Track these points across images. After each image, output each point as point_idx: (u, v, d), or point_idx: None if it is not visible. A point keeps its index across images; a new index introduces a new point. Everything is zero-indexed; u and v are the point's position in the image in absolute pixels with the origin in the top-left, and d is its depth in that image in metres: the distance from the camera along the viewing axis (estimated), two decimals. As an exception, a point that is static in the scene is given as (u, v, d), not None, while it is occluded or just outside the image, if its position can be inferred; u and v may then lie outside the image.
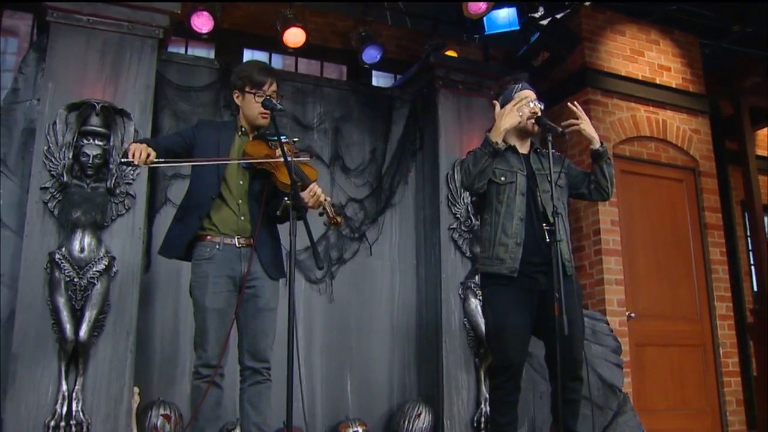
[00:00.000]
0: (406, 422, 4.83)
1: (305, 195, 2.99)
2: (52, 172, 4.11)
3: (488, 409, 4.84)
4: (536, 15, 5.99)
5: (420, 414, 4.85)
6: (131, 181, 4.27)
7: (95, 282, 4.02)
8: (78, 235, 4.06)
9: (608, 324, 5.31)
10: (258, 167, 3.15)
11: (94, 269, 4.03)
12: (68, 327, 3.90)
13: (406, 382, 5.19)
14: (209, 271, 3.12)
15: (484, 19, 6.30)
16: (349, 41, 6.08)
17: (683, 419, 5.66)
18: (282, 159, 3.02)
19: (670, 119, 6.24)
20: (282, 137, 3.15)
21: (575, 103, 3.39)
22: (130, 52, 4.47)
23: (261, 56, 6.15)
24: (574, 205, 5.90)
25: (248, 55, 6.09)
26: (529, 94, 3.37)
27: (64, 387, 3.92)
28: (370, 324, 5.21)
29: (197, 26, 5.36)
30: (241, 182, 3.23)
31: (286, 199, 2.87)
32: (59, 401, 3.89)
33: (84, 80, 4.33)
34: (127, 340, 4.12)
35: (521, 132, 3.38)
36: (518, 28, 5.81)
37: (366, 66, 6.04)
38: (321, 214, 3.03)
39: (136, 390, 4.21)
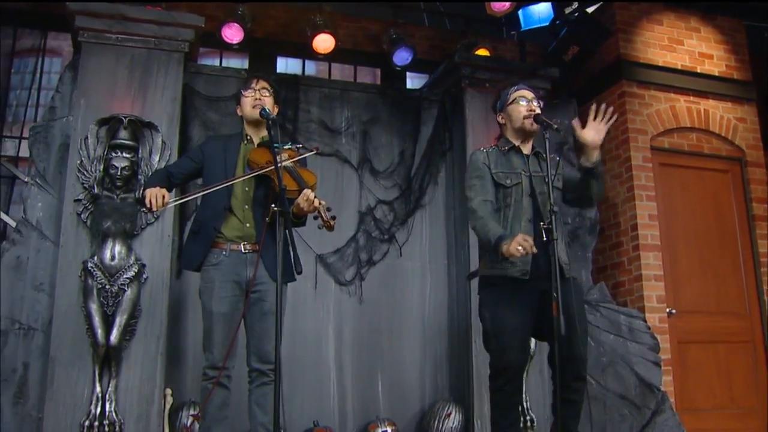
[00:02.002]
0: (436, 422, 4.85)
1: (299, 199, 3.08)
2: (85, 185, 4.33)
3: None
4: (570, 8, 5.91)
5: (450, 414, 4.86)
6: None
7: (125, 288, 4.21)
8: (109, 244, 4.25)
9: (645, 321, 5.21)
10: (267, 175, 3.24)
11: (125, 276, 4.22)
12: (100, 332, 4.09)
13: (438, 382, 5.21)
14: (216, 276, 3.24)
15: (521, 14, 6.26)
16: (381, 44, 6.14)
17: (731, 419, 5.45)
18: (286, 164, 3.16)
19: (713, 108, 6.03)
20: (286, 145, 3.29)
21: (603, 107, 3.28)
22: (157, 66, 4.65)
23: (294, 63, 6.30)
24: (611, 201, 5.80)
25: (281, 62, 6.22)
26: (526, 93, 3.35)
27: (98, 389, 4.12)
28: (401, 324, 5.25)
29: (228, 37, 5.49)
30: (246, 189, 3.34)
31: (273, 206, 2.96)
32: (94, 402, 4.09)
33: (114, 96, 4.54)
34: (158, 344, 4.29)
35: (522, 132, 3.36)
36: (548, 23, 5.74)
37: (397, 68, 6.08)
38: (315, 218, 3.11)
39: (169, 391, 4.39)
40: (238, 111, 3.50)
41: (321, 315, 5.06)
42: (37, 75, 5.51)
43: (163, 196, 3.13)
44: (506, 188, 3.30)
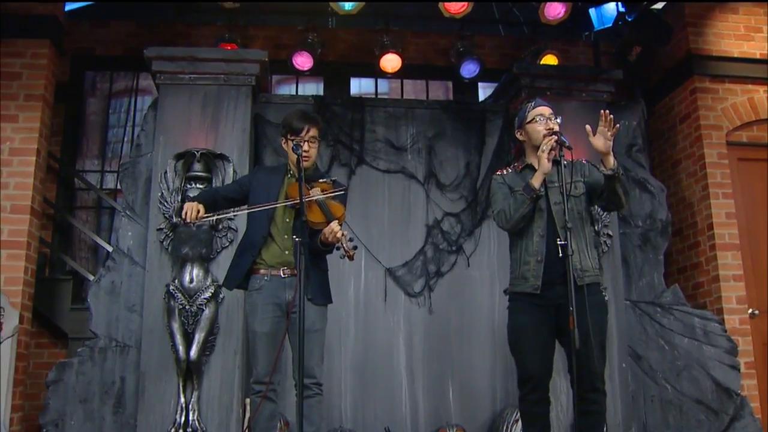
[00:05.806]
0: (505, 427, 4.95)
1: (325, 230, 3.32)
2: (165, 215, 4.78)
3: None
4: (643, 5, 5.81)
5: (518, 420, 4.92)
6: (233, 218, 4.79)
7: (204, 308, 4.61)
8: (188, 268, 4.67)
9: (721, 323, 5.08)
10: (297, 207, 3.51)
11: (203, 297, 4.63)
12: (181, 348, 4.52)
13: (509, 389, 5.28)
14: (258, 300, 3.54)
15: (593, 15, 6.25)
16: (450, 58, 6.26)
17: (826, 423, 5.20)
18: (315, 198, 3.42)
19: (797, 97, 5.75)
20: (322, 179, 3.57)
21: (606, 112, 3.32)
22: (227, 101, 5.04)
23: (366, 83, 6.57)
24: (688, 200, 5.66)
25: (355, 83, 6.50)
26: (543, 110, 3.42)
27: (182, 399, 4.55)
28: (471, 332, 5.37)
29: (299, 65, 5.84)
30: (287, 220, 3.61)
31: (294, 237, 3.21)
32: (179, 412, 4.53)
33: (189, 131, 4.97)
34: (235, 358, 4.67)
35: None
36: (611, 24, 5.69)
37: (466, 81, 6.19)
38: (338, 249, 3.34)
39: (248, 401, 4.75)
40: (283, 144, 3.75)
41: (391, 326, 5.29)
42: (131, 113, 6.08)
43: (198, 210, 3.45)
44: None
